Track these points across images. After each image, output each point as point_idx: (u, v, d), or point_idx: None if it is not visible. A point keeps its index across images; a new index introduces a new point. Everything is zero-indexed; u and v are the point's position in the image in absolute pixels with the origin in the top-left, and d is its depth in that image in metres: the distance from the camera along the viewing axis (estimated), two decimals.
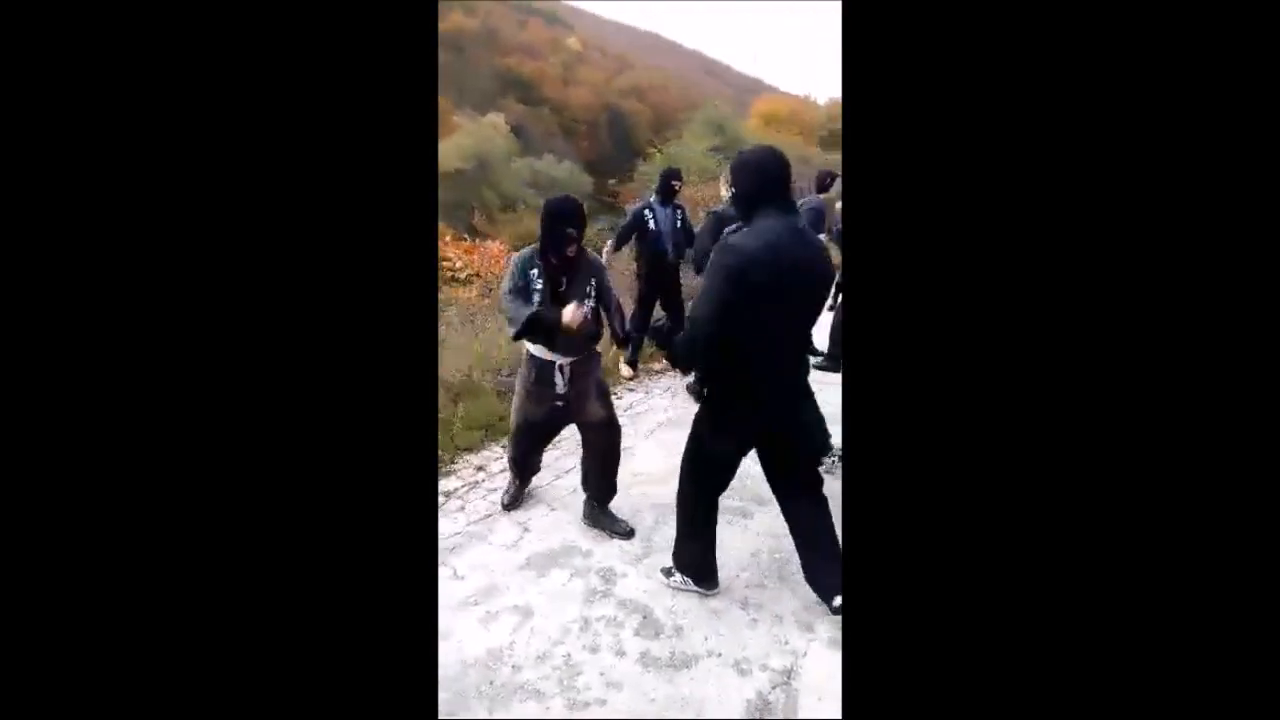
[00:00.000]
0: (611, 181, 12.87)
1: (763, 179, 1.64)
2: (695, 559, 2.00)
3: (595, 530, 2.38)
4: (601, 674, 1.72)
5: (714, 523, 1.98)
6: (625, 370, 4.10)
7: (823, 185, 4.63)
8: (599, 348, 2.33)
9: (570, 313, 2.00)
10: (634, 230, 3.80)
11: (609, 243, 3.85)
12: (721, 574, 2.08)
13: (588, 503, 2.43)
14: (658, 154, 10.46)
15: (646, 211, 3.79)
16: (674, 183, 3.83)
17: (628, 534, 2.36)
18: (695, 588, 2.02)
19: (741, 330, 1.60)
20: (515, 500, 2.55)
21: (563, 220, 2.04)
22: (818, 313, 1.74)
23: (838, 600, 1.83)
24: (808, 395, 2.03)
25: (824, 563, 1.86)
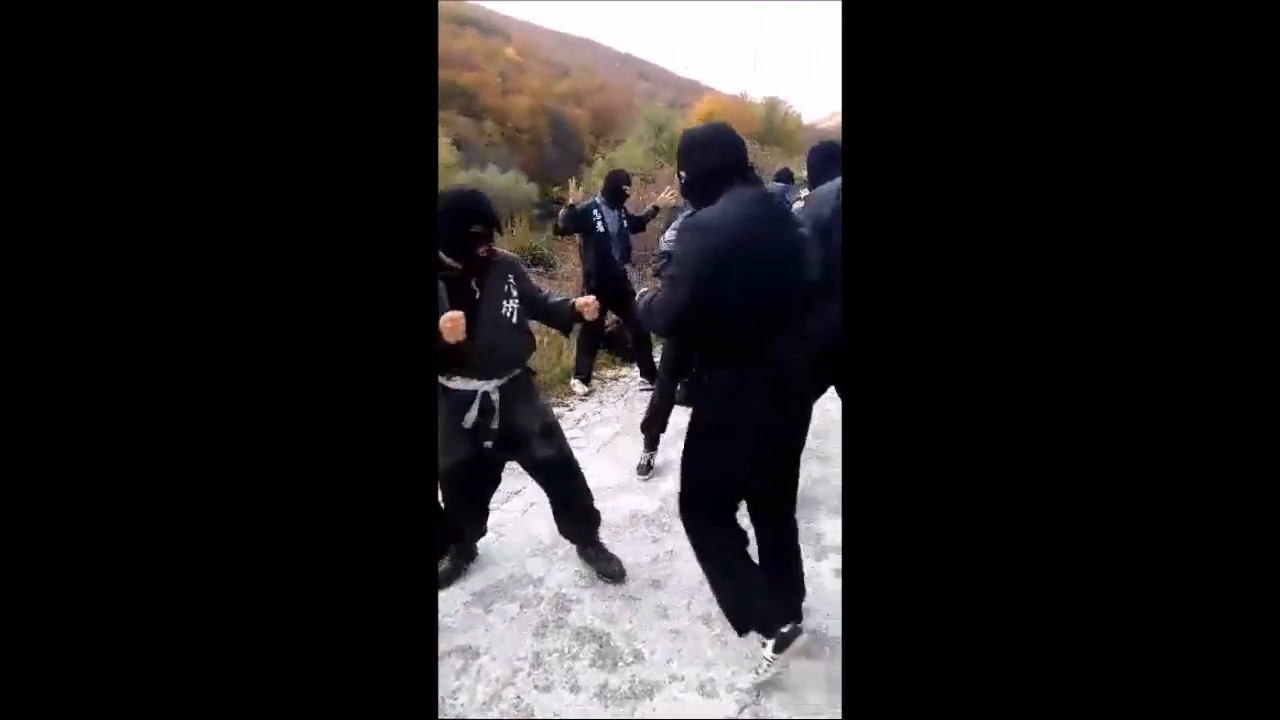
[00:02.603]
0: (556, 189, 12.66)
1: (722, 153, 1.48)
2: (736, 607, 1.59)
3: (546, 556, 2.23)
4: (555, 715, 1.58)
5: (739, 552, 1.61)
6: (579, 387, 3.86)
7: (779, 177, 4.79)
8: (535, 363, 2.05)
9: (446, 319, 1.55)
10: (582, 224, 3.59)
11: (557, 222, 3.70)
12: (680, 587, 1.97)
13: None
14: (600, 159, 10.33)
15: (595, 211, 3.61)
16: (624, 187, 3.69)
17: (618, 576, 2.04)
18: (770, 654, 1.57)
19: (721, 305, 1.40)
20: (452, 576, 2.06)
21: (464, 218, 1.64)
22: (804, 287, 1.53)
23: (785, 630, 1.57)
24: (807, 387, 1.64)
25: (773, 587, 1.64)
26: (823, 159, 2.54)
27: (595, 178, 10.35)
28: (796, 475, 1.68)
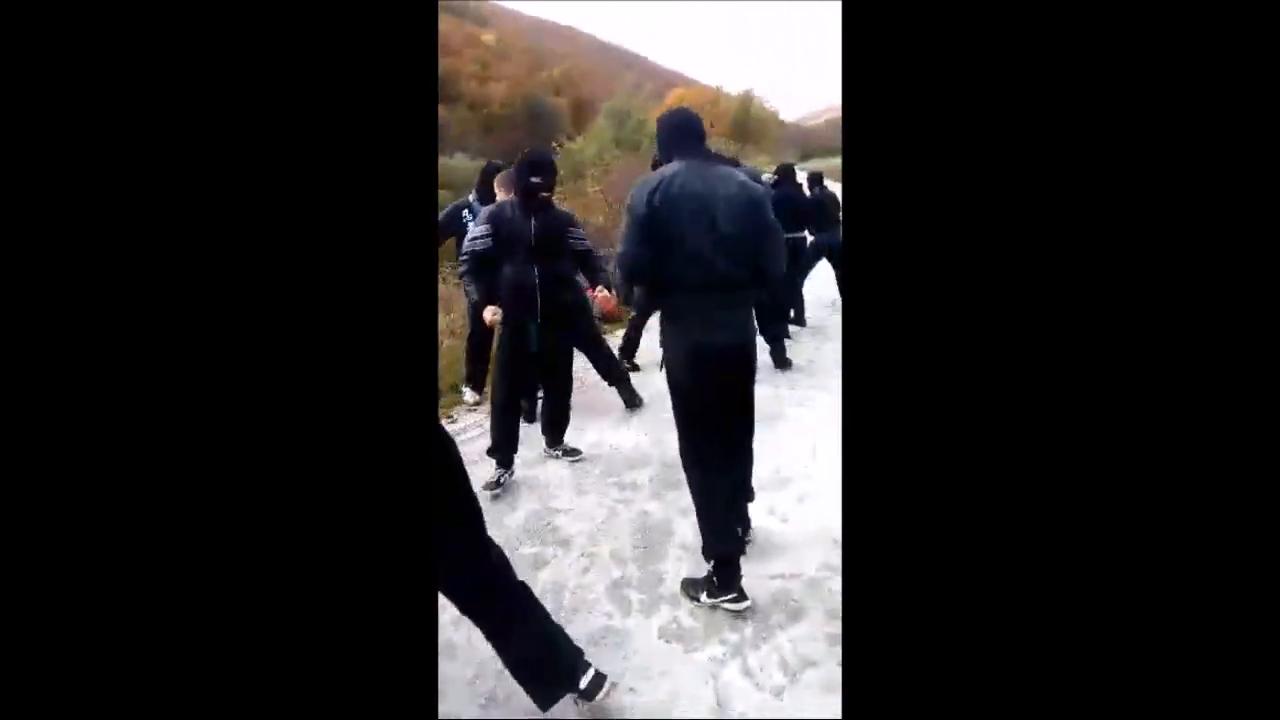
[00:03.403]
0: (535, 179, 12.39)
1: (676, 131, 1.80)
2: (715, 549, 1.83)
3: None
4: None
5: (723, 494, 1.89)
6: (469, 396, 3.52)
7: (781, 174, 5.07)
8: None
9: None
10: (449, 228, 3.10)
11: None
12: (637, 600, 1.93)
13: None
14: (568, 145, 10.17)
15: (466, 212, 3.08)
16: (495, 180, 2.95)
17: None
18: (723, 599, 1.82)
19: (658, 249, 1.69)
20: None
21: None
22: (752, 236, 1.75)
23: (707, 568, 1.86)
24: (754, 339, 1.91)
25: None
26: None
27: (561, 166, 10.22)
28: (738, 409, 1.90)
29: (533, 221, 2.41)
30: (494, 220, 2.44)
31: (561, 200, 4.88)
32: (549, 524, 2.36)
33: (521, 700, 1.48)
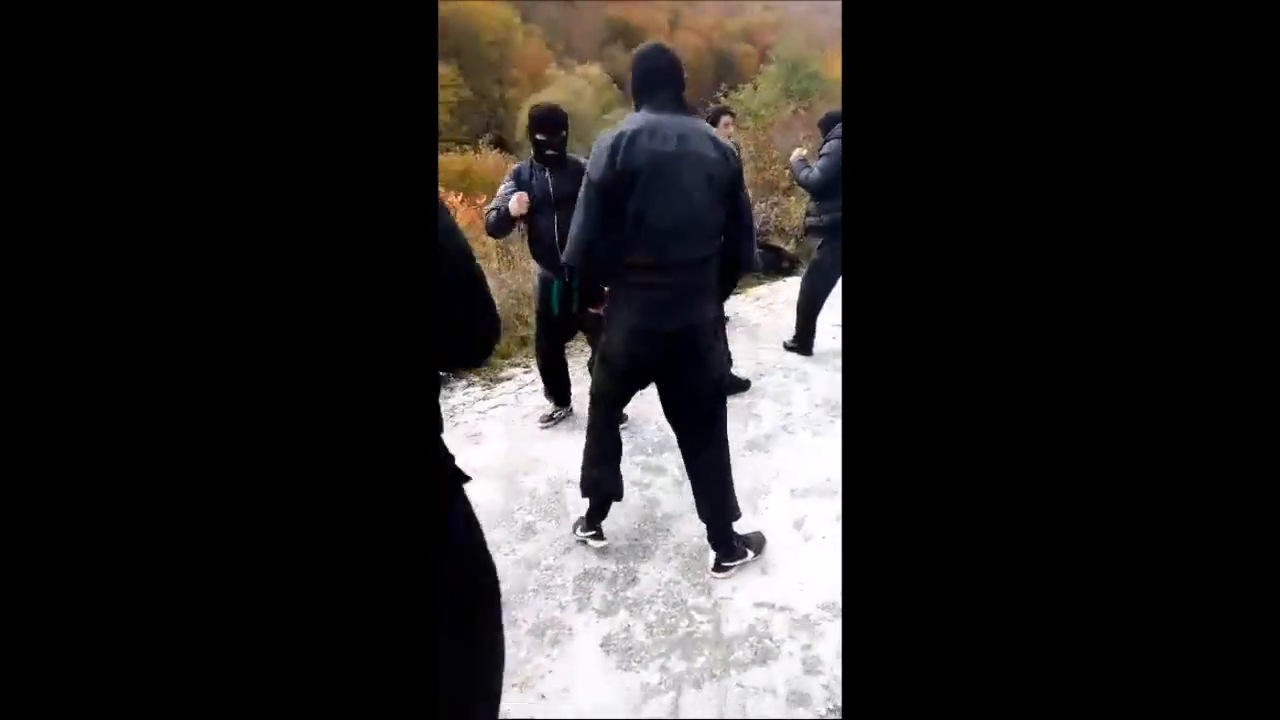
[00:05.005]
0: (540, 137, 11.68)
1: (647, 74, 1.50)
2: (585, 489, 1.91)
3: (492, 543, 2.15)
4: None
5: (610, 443, 1.86)
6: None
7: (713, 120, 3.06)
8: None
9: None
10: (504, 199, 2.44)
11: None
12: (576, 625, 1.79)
13: None
14: (723, 98, 9.56)
15: (519, 175, 2.45)
16: (539, 136, 2.34)
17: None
18: (585, 535, 1.94)
19: (615, 225, 1.48)
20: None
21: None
22: (715, 202, 1.51)
23: (712, 556, 1.82)
24: (712, 320, 1.65)
25: (708, 510, 1.79)
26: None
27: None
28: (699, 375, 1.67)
29: (549, 177, 2.36)
30: (515, 178, 2.43)
31: None
32: (557, 493, 2.27)
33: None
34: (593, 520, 1.91)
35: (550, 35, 33.48)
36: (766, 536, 1.93)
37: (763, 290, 4.64)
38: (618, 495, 1.89)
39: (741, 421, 2.66)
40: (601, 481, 1.85)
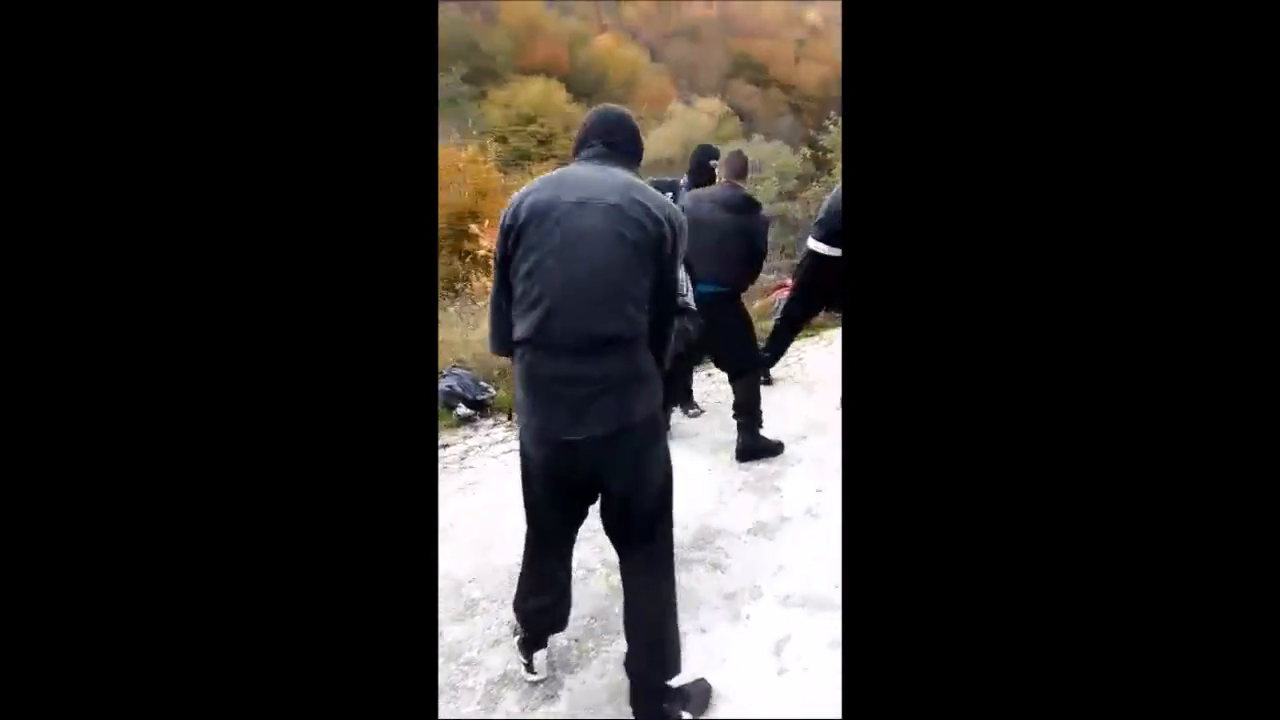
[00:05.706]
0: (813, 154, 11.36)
1: (582, 132, 1.35)
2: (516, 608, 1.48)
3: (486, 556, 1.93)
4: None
5: (549, 571, 1.43)
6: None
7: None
8: None
9: None
10: None
11: None
12: None
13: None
14: (833, 126, 9.01)
15: (669, 194, 2.95)
16: (711, 162, 2.75)
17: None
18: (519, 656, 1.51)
19: (511, 296, 1.25)
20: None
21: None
22: (633, 266, 1.19)
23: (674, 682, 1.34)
24: (647, 419, 1.26)
25: (636, 645, 1.32)
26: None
27: (828, 147, 9.19)
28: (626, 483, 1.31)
29: None
30: None
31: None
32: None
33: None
34: (528, 648, 1.48)
35: (677, 72, 34.38)
36: (736, 664, 1.48)
37: (837, 334, 4.13)
38: (558, 627, 1.48)
39: (757, 495, 2.26)
40: (539, 613, 1.44)
